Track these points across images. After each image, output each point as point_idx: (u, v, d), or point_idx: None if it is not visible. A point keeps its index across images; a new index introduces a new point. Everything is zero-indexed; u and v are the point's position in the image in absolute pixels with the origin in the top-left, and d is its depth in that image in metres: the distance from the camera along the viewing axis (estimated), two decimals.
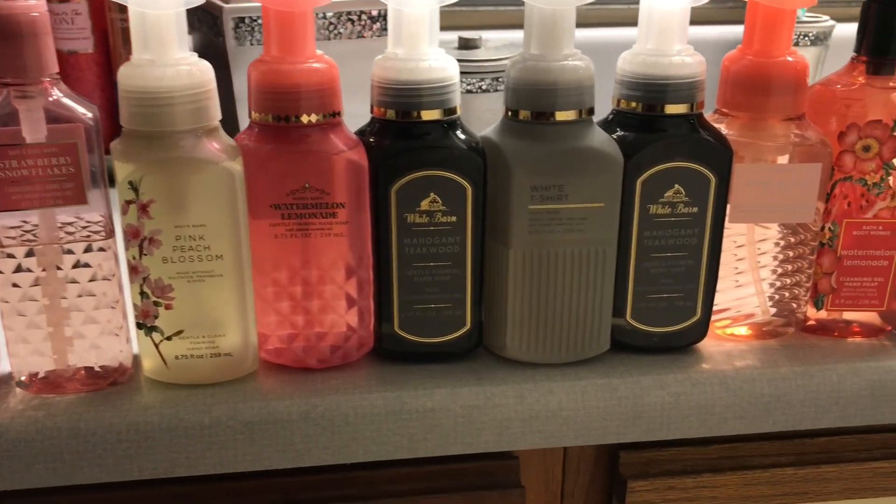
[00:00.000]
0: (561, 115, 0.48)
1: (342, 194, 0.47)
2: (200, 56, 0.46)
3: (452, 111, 0.48)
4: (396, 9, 0.47)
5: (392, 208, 0.48)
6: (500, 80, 0.84)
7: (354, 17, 0.81)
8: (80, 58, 0.85)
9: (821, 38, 0.94)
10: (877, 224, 0.53)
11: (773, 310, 0.55)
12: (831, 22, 0.94)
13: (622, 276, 0.51)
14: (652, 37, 0.49)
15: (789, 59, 0.50)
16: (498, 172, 0.48)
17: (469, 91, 0.78)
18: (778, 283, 0.55)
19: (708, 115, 0.53)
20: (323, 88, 0.47)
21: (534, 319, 0.51)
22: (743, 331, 0.56)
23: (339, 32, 0.81)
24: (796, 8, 0.50)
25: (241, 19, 0.72)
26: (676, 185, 0.49)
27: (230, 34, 0.72)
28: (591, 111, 0.49)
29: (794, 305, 0.55)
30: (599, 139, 0.48)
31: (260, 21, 0.72)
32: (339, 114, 0.48)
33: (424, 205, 0.48)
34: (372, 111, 0.49)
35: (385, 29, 0.77)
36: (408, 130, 0.48)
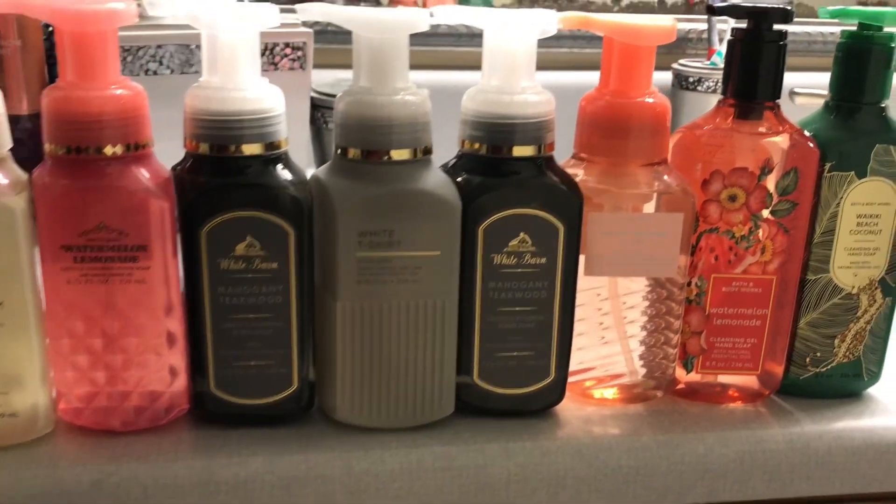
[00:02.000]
0: (395, 154, 0.43)
1: (144, 236, 0.42)
2: None
3: (275, 146, 0.44)
4: (210, 34, 0.43)
5: (203, 252, 0.43)
6: None
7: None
8: None
9: None
10: (746, 280, 0.49)
11: (643, 370, 0.51)
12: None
13: (467, 331, 0.47)
14: (496, 73, 0.45)
15: (649, 100, 0.46)
16: (325, 215, 0.44)
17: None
18: (650, 341, 0.50)
19: (566, 160, 0.49)
20: (126, 117, 0.42)
21: (366, 379, 0.46)
22: (610, 393, 0.51)
23: None
24: (654, 45, 0.46)
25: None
26: (522, 234, 0.45)
27: None
28: (427, 150, 0.44)
29: (664, 367, 0.51)
30: (435, 181, 0.44)
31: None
32: (146, 146, 0.43)
33: (240, 249, 0.43)
34: (185, 145, 0.44)
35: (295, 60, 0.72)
36: (224, 166, 0.43)
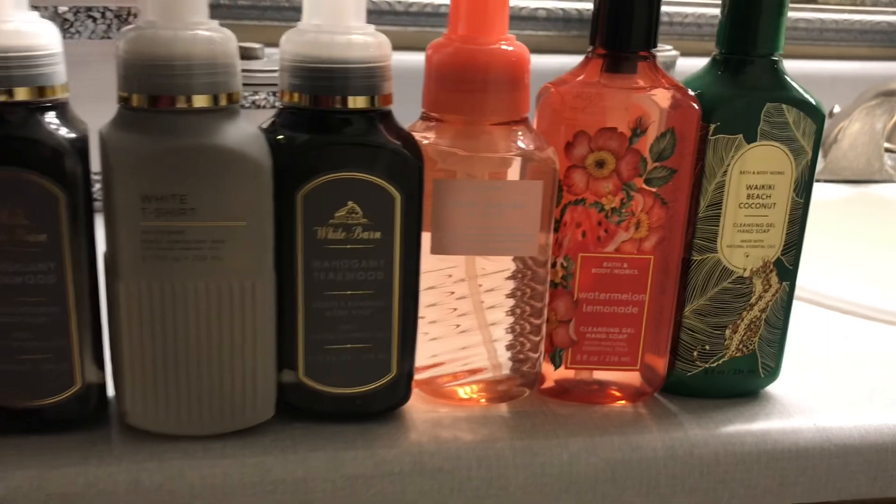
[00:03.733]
0: (187, 102, 0.36)
1: None
2: None
3: (44, 92, 0.36)
4: None
5: None
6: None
7: (97, 15, 0.69)
8: None
9: (665, 68, 0.85)
10: (619, 260, 0.42)
11: (510, 364, 0.44)
12: (674, 52, 0.86)
13: (289, 320, 0.39)
14: (318, 11, 0.38)
15: (505, 47, 0.40)
16: (105, 178, 0.36)
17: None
18: (517, 330, 0.43)
19: (415, 122, 0.42)
20: None
21: (161, 376, 0.38)
22: (470, 391, 0.44)
23: (77, 31, 0.69)
24: None
25: None
26: (350, 203, 0.38)
27: None
28: (232, 99, 0.37)
29: (533, 361, 0.44)
30: (238, 135, 0.36)
31: None
32: None
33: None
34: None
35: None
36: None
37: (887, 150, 0.94)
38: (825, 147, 0.92)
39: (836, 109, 0.93)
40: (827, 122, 0.99)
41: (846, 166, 0.92)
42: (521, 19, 0.94)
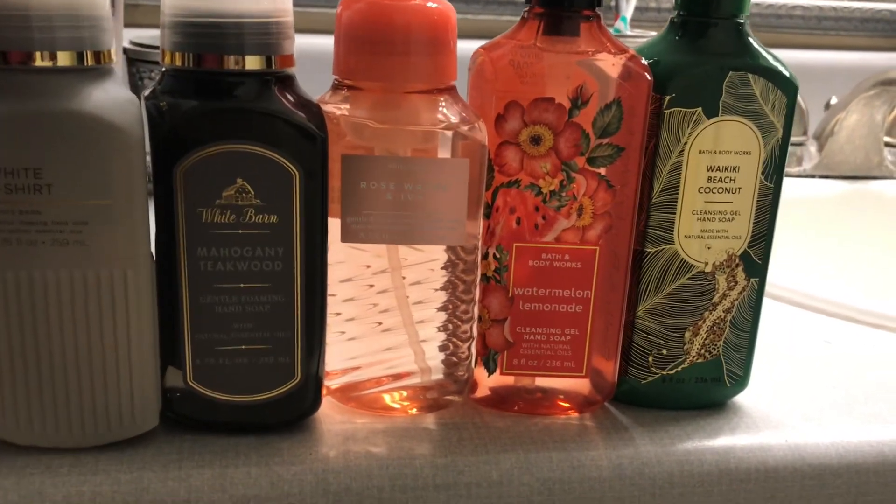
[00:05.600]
0: (44, 59, 0.31)
1: None
2: None
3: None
4: None
5: None
6: None
7: None
8: None
9: None
10: (560, 251, 0.37)
11: (441, 367, 0.39)
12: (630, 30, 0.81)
13: (174, 316, 0.34)
14: None
15: (429, 4, 0.34)
16: None
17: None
18: (450, 328, 0.38)
19: (326, 93, 0.37)
20: None
21: (20, 380, 0.33)
22: (396, 398, 0.39)
23: None
24: None
25: None
26: (239, 181, 0.33)
27: None
28: (100, 57, 0.32)
29: (465, 364, 0.39)
30: (103, 99, 0.31)
31: None
32: None
33: None
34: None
35: None
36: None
37: (887, 144, 0.88)
38: (821, 141, 0.86)
39: (833, 101, 0.87)
40: (823, 114, 0.94)
41: (843, 160, 0.87)
42: (476, 3, 0.89)
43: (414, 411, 0.39)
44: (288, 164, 0.33)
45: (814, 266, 0.73)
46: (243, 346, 0.35)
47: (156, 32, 0.69)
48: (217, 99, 0.33)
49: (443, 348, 0.38)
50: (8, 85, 0.31)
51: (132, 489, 0.33)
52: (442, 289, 0.38)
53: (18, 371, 0.33)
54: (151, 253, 0.33)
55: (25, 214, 0.31)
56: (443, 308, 0.38)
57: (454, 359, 0.38)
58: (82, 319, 0.32)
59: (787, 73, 0.36)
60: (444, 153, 0.36)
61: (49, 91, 0.31)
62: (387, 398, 0.39)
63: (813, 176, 0.85)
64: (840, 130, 0.85)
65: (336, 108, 0.36)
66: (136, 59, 0.68)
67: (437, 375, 0.39)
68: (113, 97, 0.31)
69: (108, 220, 0.32)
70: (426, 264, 0.37)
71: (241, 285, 0.34)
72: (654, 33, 0.82)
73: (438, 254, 0.37)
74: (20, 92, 0.31)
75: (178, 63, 0.33)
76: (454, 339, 0.38)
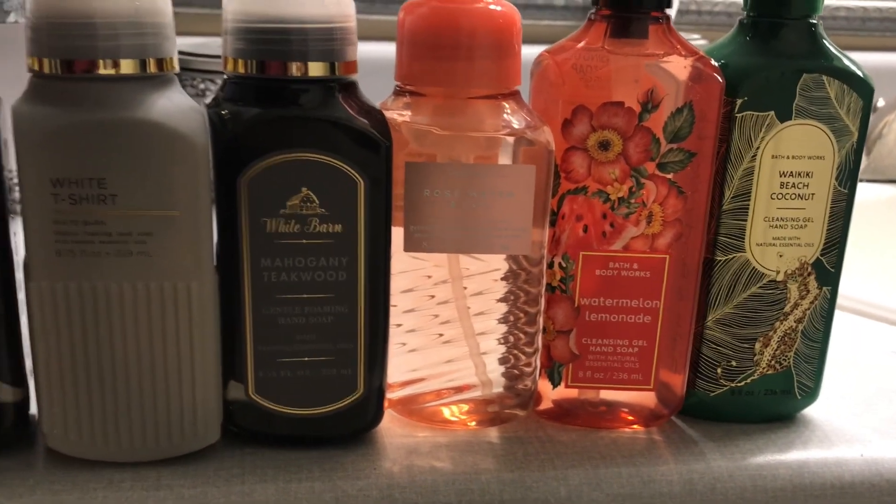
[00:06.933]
0: (107, 67, 0.30)
1: None
2: None
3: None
4: None
5: None
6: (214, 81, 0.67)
7: None
8: None
9: None
10: (628, 260, 0.36)
11: (502, 381, 0.38)
12: (703, 41, 0.80)
13: (236, 328, 0.33)
14: None
15: (493, 6, 0.34)
16: (17, 161, 0.31)
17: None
18: (511, 341, 0.37)
19: (388, 99, 0.36)
20: None
21: (83, 394, 0.32)
22: (456, 412, 0.38)
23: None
24: None
25: None
26: (304, 190, 0.32)
27: None
28: (163, 65, 0.31)
29: (527, 377, 0.38)
30: (168, 108, 0.31)
31: None
32: None
33: None
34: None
35: None
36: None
37: None
38: (868, 144, 0.85)
39: (881, 103, 0.85)
40: (871, 117, 0.92)
41: (891, 164, 0.85)
42: (538, 8, 0.88)
43: (473, 424, 0.38)
44: (353, 172, 0.32)
45: (864, 272, 0.71)
46: (306, 358, 0.34)
47: (194, 41, 0.69)
48: (280, 106, 0.32)
49: (503, 361, 0.38)
50: (71, 94, 0.30)
51: (194, 503, 0.33)
52: (503, 300, 0.37)
53: (81, 384, 0.32)
54: (214, 264, 0.33)
55: (90, 225, 0.30)
56: (503, 320, 0.37)
57: (515, 371, 0.38)
58: (145, 332, 0.32)
59: (862, 75, 0.35)
60: (504, 159, 0.36)
61: (112, 99, 0.30)
62: (446, 411, 0.38)
63: (861, 180, 0.84)
64: (889, 133, 0.84)
65: (398, 115, 0.35)
66: (186, 68, 0.67)
67: (498, 388, 0.38)
68: (177, 105, 0.31)
69: (172, 230, 0.31)
70: (488, 274, 0.37)
71: (305, 296, 0.33)
72: (696, 36, 0.82)
73: (499, 263, 0.36)
74: (83, 101, 0.30)
75: (241, 70, 0.32)
76: (515, 352, 0.37)
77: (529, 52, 0.37)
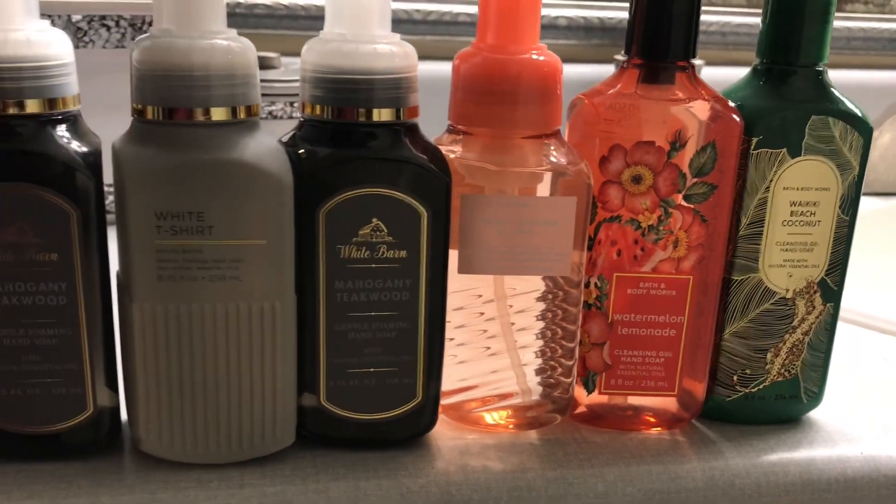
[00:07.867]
0: (205, 115, 0.34)
1: None
2: None
3: (55, 104, 0.34)
4: None
5: None
6: (294, 105, 0.72)
7: (111, 24, 0.68)
8: None
9: None
10: (657, 280, 0.40)
11: (539, 389, 0.42)
12: (699, 61, 0.84)
13: (310, 343, 0.37)
14: (342, 19, 0.36)
15: (536, 56, 0.38)
16: (119, 194, 0.35)
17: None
18: (547, 353, 0.41)
19: (441, 135, 0.40)
20: None
21: (175, 401, 0.36)
22: (498, 417, 0.42)
23: (91, 40, 0.68)
24: None
25: None
26: (375, 220, 0.36)
27: None
28: (251, 111, 0.35)
29: (564, 385, 0.42)
30: (258, 149, 0.35)
31: None
32: None
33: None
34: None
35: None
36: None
37: None
38: None
39: None
40: None
41: (875, 179, 0.90)
42: (541, 28, 0.92)
43: (512, 427, 0.43)
44: (417, 204, 0.36)
45: (854, 284, 0.75)
46: (372, 369, 0.38)
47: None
48: (353, 147, 0.36)
49: (541, 371, 0.42)
50: (172, 138, 0.34)
51: (276, 501, 0.36)
52: (541, 317, 0.41)
53: (175, 393, 0.36)
54: (294, 286, 0.37)
55: (188, 253, 0.34)
56: (541, 335, 0.41)
57: (552, 380, 0.42)
58: (234, 347, 0.36)
59: (862, 116, 0.40)
60: (544, 191, 0.40)
61: (208, 143, 0.34)
62: (488, 417, 0.42)
63: None
64: (873, 150, 0.89)
65: (450, 151, 0.39)
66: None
67: (536, 396, 0.42)
68: (264, 146, 0.35)
69: (261, 257, 0.35)
70: (530, 294, 0.41)
71: (373, 314, 0.37)
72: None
73: (540, 284, 0.41)
74: (183, 144, 0.34)
75: (318, 114, 0.36)
76: (552, 363, 0.41)
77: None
